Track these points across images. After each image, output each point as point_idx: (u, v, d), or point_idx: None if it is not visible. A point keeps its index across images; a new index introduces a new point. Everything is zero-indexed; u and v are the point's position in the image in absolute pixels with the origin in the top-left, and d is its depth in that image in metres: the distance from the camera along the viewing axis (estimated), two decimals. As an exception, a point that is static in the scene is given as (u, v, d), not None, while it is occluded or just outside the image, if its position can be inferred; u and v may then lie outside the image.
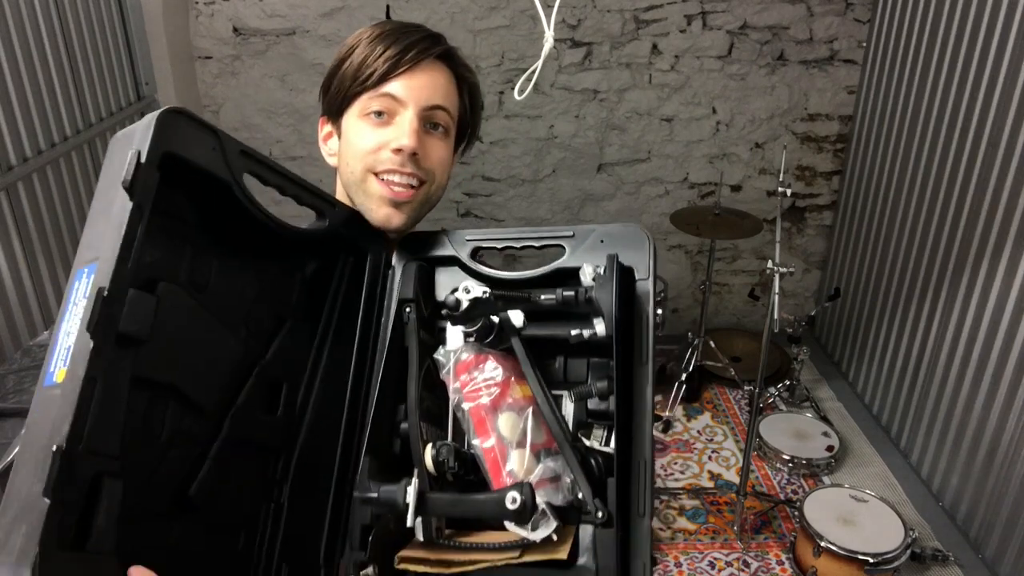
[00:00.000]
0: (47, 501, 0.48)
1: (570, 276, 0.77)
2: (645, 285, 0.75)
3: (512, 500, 0.63)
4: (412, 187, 0.88)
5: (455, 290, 0.72)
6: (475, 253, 0.82)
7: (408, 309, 0.79)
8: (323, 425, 0.78)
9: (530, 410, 0.73)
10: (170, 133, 0.60)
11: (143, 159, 0.56)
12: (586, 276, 0.74)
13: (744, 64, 3.28)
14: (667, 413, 3.16)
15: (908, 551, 2.16)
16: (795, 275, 3.66)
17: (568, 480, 0.69)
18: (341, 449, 0.78)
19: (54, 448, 0.49)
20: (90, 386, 0.51)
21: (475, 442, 0.71)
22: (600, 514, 0.64)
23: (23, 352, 1.90)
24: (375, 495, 0.68)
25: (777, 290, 2.18)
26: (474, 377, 0.73)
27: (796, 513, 2.40)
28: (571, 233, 0.78)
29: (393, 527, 0.70)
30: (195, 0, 3.09)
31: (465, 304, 0.71)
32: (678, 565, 2.42)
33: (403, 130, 0.86)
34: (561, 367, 0.80)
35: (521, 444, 0.71)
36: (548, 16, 0.98)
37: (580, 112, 3.34)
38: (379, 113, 0.88)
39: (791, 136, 3.42)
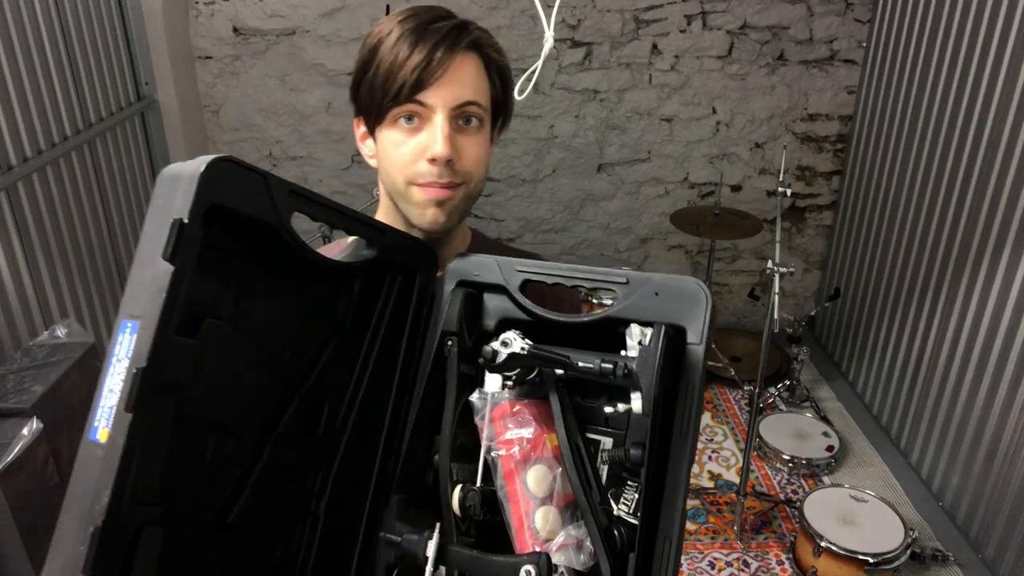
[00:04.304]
0: None
1: (619, 325, 0.73)
2: (696, 351, 0.68)
3: (526, 574, 0.63)
4: (452, 187, 0.88)
5: (494, 337, 0.71)
6: (524, 286, 0.79)
7: (450, 343, 0.76)
8: (361, 444, 0.78)
9: (559, 469, 0.72)
10: (216, 184, 0.58)
11: (187, 220, 0.55)
12: (632, 338, 0.70)
13: (744, 64, 3.28)
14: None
15: (908, 551, 2.17)
16: (795, 275, 3.66)
17: (591, 546, 0.69)
18: (378, 468, 0.78)
19: (91, 529, 0.49)
20: (130, 454, 0.51)
21: (501, 495, 0.71)
22: None
23: (23, 352, 1.90)
24: (398, 540, 0.70)
25: (777, 290, 2.18)
26: (508, 426, 0.72)
27: (796, 513, 2.40)
28: (625, 280, 0.73)
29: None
30: (195, 0, 3.10)
31: (502, 358, 0.70)
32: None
33: (435, 137, 0.84)
34: (603, 407, 0.77)
35: (547, 501, 0.70)
36: (548, 16, 0.98)
37: (580, 112, 3.34)
38: (409, 118, 0.86)
39: (791, 136, 3.42)
